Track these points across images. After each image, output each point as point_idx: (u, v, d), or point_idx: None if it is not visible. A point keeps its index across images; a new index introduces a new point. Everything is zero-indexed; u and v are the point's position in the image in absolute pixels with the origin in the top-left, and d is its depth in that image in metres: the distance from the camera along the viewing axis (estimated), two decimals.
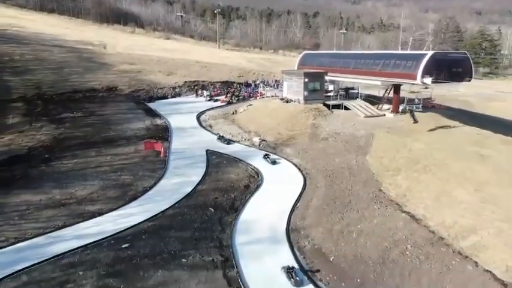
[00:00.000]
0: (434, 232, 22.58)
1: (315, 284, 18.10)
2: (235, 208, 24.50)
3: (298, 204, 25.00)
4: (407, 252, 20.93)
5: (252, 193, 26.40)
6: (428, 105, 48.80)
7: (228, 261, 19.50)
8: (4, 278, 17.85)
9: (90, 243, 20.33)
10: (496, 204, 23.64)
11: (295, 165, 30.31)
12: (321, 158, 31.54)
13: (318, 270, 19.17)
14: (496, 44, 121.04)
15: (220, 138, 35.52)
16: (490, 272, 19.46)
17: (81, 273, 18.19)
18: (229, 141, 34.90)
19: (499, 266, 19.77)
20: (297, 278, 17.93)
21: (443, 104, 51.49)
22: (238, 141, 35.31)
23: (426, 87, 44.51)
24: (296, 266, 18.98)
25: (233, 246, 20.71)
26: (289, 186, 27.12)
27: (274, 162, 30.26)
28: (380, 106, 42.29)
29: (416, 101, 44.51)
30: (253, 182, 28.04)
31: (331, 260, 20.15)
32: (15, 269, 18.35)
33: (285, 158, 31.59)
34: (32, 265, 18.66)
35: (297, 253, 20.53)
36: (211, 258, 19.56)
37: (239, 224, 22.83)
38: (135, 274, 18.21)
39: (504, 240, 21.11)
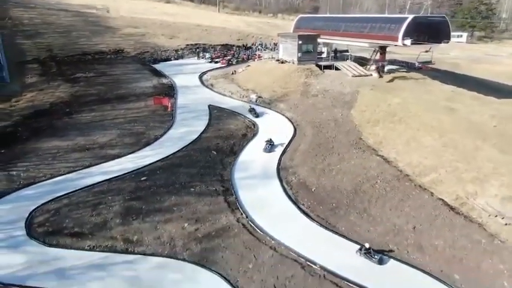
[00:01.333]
0: (402, 171, 26.80)
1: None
2: (234, 152, 28.67)
3: (288, 148, 29.12)
4: (377, 185, 25.21)
5: (249, 140, 30.51)
6: (415, 67, 52.12)
7: (228, 191, 23.86)
8: (48, 201, 22.22)
9: (115, 177, 24.62)
10: (455, 148, 27.78)
11: (287, 118, 34.23)
12: (310, 112, 35.41)
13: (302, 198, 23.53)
14: (492, 7, 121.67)
15: (251, 111, 34.89)
16: (442, 199, 23.79)
17: (110, 197, 22.57)
18: (258, 115, 34.53)
19: (450, 195, 24.07)
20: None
21: (429, 66, 54.65)
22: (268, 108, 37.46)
23: (427, 51, 47.35)
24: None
25: (232, 180, 25.03)
26: (282, 136, 31.10)
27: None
28: (368, 67, 45.63)
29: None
30: (249, 131, 32.07)
31: (312, 190, 24.47)
32: (56, 196, 22.71)
33: (278, 112, 35.44)
34: (69, 192, 23.01)
35: (286, 186, 24.82)
36: (214, 188, 23.90)
37: (237, 163, 27.06)
38: (153, 198, 22.59)
39: (457, 176, 25.35)
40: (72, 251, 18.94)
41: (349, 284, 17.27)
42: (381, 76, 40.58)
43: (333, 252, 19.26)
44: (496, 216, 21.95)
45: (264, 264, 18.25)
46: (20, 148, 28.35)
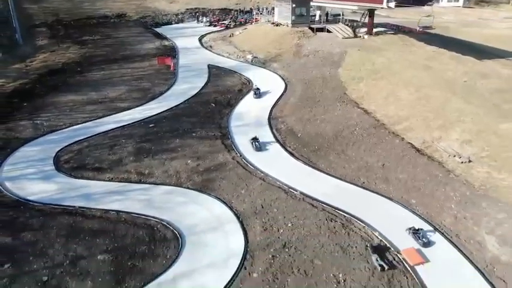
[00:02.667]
0: (379, 120, 30.21)
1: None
2: (231, 104, 32.05)
3: (278, 102, 32.46)
4: (355, 132, 28.68)
5: (244, 95, 33.82)
6: (405, 29, 54.55)
7: (224, 136, 27.42)
8: (70, 144, 25.86)
9: (126, 125, 28.19)
10: (427, 101, 31.12)
11: (280, 76, 37.37)
12: (301, 71, 38.49)
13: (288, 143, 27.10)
14: None
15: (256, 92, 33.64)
16: (411, 143, 27.29)
17: (123, 140, 26.20)
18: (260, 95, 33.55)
19: (418, 140, 27.55)
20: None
21: (429, 30, 56.96)
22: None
23: (428, 16, 49.43)
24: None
25: (229, 127, 28.55)
26: (274, 91, 34.35)
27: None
28: (358, 29, 48.14)
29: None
30: (245, 87, 35.31)
31: (298, 135, 27.99)
32: (76, 139, 26.33)
33: (271, 70, 38.54)
34: (88, 137, 26.62)
35: (276, 133, 28.34)
36: (213, 134, 27.47)
37: (233, 114, 30.52)
38: (160, 141, 26.20)
39: (426, 124, 28.81)
40: (94, 181, 22.70)
41: (322, 203, 21.04)
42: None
43: (312, 183, 22.95)
44: (455, 156, 25.52)
45: (254, 190, 22.00)
46: (40, 102, 31.76)
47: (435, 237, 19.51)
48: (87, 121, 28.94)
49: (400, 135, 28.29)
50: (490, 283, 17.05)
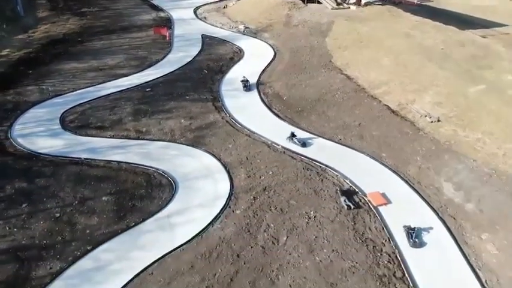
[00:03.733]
0: (360, 85, 32.32)
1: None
2: (223, 71, 34.12)
3: (267, 68, 34.51)
4: (336, 96, 30.86)
5: (235, 62, 35.82)
6: (395, 1, 55.78)
7: (215, 99, 29.66)
8: (74, 106, 28.13)
9: (125, 89, 30.37)
10: (405, 67, 33.18)
11: (270, 45, 39.21)
12: (290, 40, 40.28)
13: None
14: None
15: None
16: (387, 105, 29.51)
17: (122, 102, 28.48)
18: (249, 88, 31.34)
19: (394, 102, 29.73)
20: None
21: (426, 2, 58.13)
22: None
23: None
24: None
25: (220, 91, 30.75)
26: (263, 59, 36.32)
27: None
28: (347, 0, 49.51)
29: None
30: (236, 55, 37.25)
31: (284, 99, 30.19)
32: (80, 102, 28.59)
33: (262, 40, 40.33)
34: (90, 100, 28.87)
35: (263, 96, 30.53)
36: (205, 97, 29.70)
37: (225, 80, 32.64)
38: (157, 103, 28.48)
39: (403, 88, 30.97)
40: (97, 138, 25.12)
41: (301, 156, 23.52)
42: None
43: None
44: (426, 116, 27.80)
45: (240, 145, 24.42)
46: (44, 69, 33.79)
47: (399, 184, 22.13)
48: (89, 86, 31.06)
49: (378, 98, 30.49)
50: (442, 219, 19.71)
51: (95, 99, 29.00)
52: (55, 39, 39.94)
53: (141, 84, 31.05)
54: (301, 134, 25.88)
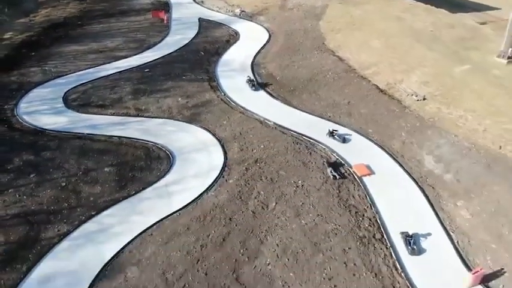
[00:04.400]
0: (350, 66, 33.41)
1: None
2: (219, 53, 35.18)
3: (261, 50, 35.57)
4: (328, 76, 31.98)
5: (231, 45, 36.84)
6: None
7: (211, 79, 30.84)
8: (76, 86, 29.32)
9: (124, 70, 31.50)
10: (394, 48, 34.26)
11: (265, 28, 40.12)
12: (285, 23, 41.19)
13: (271, 84, 30.49)
14: None
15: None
16: (376, 85, 30.67)
17: (122, 82, 29.68)
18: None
19: (382, 82, 30.87)
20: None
21: None
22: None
23: None
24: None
25: (216, 72, 31.89)
26: (258, 41, 37.32)
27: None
28: None
29: None
30: (232, 38, 38.24)
31: (277, 79, 31.34)
32: (81, 82, 29.78)
33: (258, 23, 41.22)
34: (92, 80, 30.05)
35: (257, 77, 31.67)
36: (201, 77, 30.88)
37: (220, 61, 33.73)
38: (155, 83, 29.67)
39: (391, 69, 32.09)
40: (99, 115, 26.39)
41: (291, 131, 24.82)
42: None
43: (285, 116, 26.58)
44: (412, 95, 29.01)
45: (234, 121, 25.71)
46: (46, 51, 34.85)
47: (383, 157, 23.47)
48: (90, 67, 32.15)
49: (367, 78, 31.64)
50: (421, 188, 21.10)
51: (96, 79, 30.18)
52: (56, 22, 40.82)
53: (140, 65, 32.17)
54: (292, 111, 27.19)
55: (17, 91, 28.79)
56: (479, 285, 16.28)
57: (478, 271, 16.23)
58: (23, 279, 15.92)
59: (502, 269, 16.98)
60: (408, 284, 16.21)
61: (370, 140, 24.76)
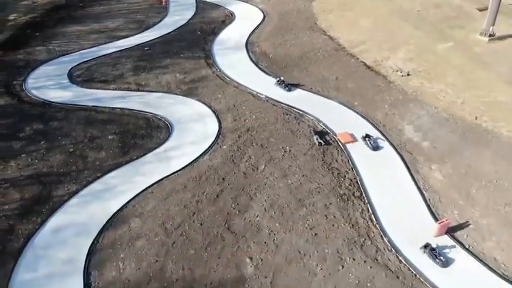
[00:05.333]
0: (340, 44, 34.85)
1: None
2: (215, 32, 36.59)
3: (256, 30, 36.97)
4: (318, 54, 33.47)
5: (227, 25, 38.21)
6: None
7: (208, 57, 32.35)
8: (80, 63, 30.87)
9: (125, 48, 32.99)
10: (382, 28, 35.68)
11: (260, 9, 41.41)
12: (279, 4, 42.41)
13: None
14: None
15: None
16: (364, 62, 32.14)
17: (123, 60, 31.21)
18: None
19: (370, 59, 32.28)
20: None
21: None
22: None
23: None
24: None
25: (212, 50, 33.38)
26: (253, 22, 38.68)
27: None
28: None
29: None
30: (228, 19, 39.58)
31: (270, 56, 32.84)
32: (85, 60, 31.33)
33: (253, 4, 42.49)
34: (94, 58, 31.59)
35: (251, 55, 33.17)
36: (198, 55, 32.38)
37: (216, 40, 35.18)
38: (154, 60, 31.21)
39: (379, 47, 33.55)
40: (102, 90, 27.99)
41: (281, 103, 26.49)
42: None
43: (276, 90, 28.19)
44: (397, 71, 30.54)
45: (228, 95, 27.35)
46: (50, 32, 36.27)
47: (367, 126, 25.16)
48: (93, 46, 33.63)
49: (355, 56, 33.11)
50: (400, 154, 22.85)
51: (98, 57, 31.69)
52: (58, 4, 42.04)
53: (140, 44, 33.65)
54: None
55: (24, 68, 30.33)
56: (445, 235, 18.17)
57: (443, 221, 18.12)
58: (38, 230, 17.78)
59: (467, 221, 18.83)
60: (381, 233, 18.09)
61: (355, 111, 26.42)
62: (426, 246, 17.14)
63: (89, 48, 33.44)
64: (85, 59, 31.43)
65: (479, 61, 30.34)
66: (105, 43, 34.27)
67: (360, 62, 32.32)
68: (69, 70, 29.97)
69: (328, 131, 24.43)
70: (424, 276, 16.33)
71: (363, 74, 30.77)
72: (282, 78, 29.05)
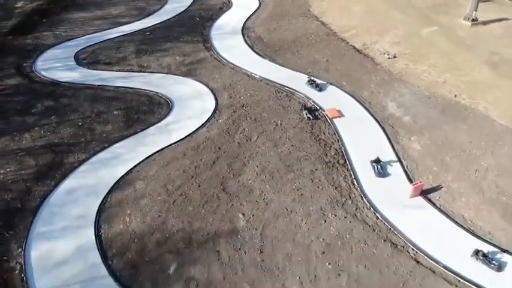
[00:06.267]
0: (332, 29, 36.47)
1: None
2: (213, 19, 38.22)
3: (251, 17, 38.58)
4: (310, 38, 35.10)
5: (224, 12, 39.83)
6: None
7: (206, 41, 34.04)
8: (85, 47, 32.57)
9: (128, 33, 34.67)
10: (372, 14, 37.29)
11: None
12: None
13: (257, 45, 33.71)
14: None
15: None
16: (353, 45, 33.77)
17: (126, 44, 32.91)
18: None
19: (359, 43, 33.97)
20: None
21: None
22: None
23: None
24: None
25: (209, 35, 35.04)
26: (249, 9, 40.27)
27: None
28: None
29: None
30: (225, 6, 41.16)
31: (264, 40, 34.48)
32: (90, 44, 33.04)
33: None
34: (99, 42, 33.29)
35: (247, 39, 34.82)
36: (196, 39, 34.07)
37: (214, 26, 36.83)
38: (155, 44, 32.91)
39: (368, 31, 35.18)
40: (106, 71, 29.72)
41: (274, 83, 28.22)
42: None
43: (270, 71, 29.86)
44: (384, 53, 32.22)
45: (225, 75, 29.08)
46: (56, 18, 37.90)
47: (353, 103, 26.92)
48: (97, 32, 35.28)
49: (346, 40, 34.78)
50: (382, 127, 24.63)
51: (102, 41, 33.39)
52: None
53: (141, 29, 35.33)
54: (276, 67, 30.51)
55: (33, 52, 32.03)
56: (420, 196, 20.03)
57: (417, 184, 19.98)
58: (52, 191, 19.66)
59: (440, 185, 20.67)
60: (361, 194, 19.95)
61: (343, 90, 28.16)
62: None
63: (93, 33, 35.12)
64: (90, 43, 33.10)
65: (462, 44, 31.98)
66: (109, 28, 35.93)
67: (349, 45, 33.99)
68: (75, 53, 31.68)
69: (317, 107, 26.18)
70: (397, 230, 18.22)
71: (352, 56, 32.45)
72: (312, 78, 28.23)
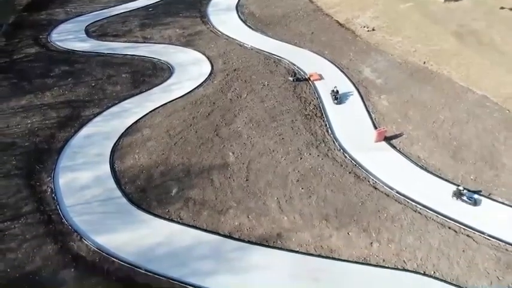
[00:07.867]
0: (318, 6, 39.22)
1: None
2: None
3: None
4: (299, 14, 37.98)
5: None
6: None
7: (203, 16, 37.02)
8: (94, 22, 35.64)
9: (132, 9, 37.69)
10: None
11: None
12: None
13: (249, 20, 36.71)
14: None
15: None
16: (337, 20, 36.74)
17: (131, 18, 35.98)
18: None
19: (342, 18, 36.82)
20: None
21: None
22: None
23: None
24: None
25: (206, 11, 38.01)
26: None
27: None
28: None
29: None
30: None
31: (256, 16, 37.42)
32: (98, 19, 36.09)
33: None
34: (106, 17, 36.35)
35: (240, 15, 37.79)
36: (194, 15, 37.07)
37: (211, 3, 39.66)
38: (157, 19, 36.00)
39: (351, 8, 38.02)
40: (114, 42, 32.85)
41: (264, 52, 31.38)
42: None
43: (260, 42, 32.88)
44: (364, 27, 35.19)
45: (220, 45, 32.20)
46: None
47: (333, 69, 30.08)
48: (104, 8, 38.29)
49: (330, 15, 37.68)
50: (357, 88, 27.85)
51: (110, 17, 36.46)
52: None
53: (144, 6, 38.36)
54: (266, 39, 33.56)
55: (48, 26, 35.12)
56: (384, 142, 23.34)
57: (381, 130, 23.35)
58: (73, 136, 23.09)
59: (402, 133, 23.97)
60: (333, 139, 23.31)
61: (325, 58, 31.28)
62: None
63: (101, 10, 38.11)
64: (98, 19, 36.16)
65: (433, 18, 34.95)
66: (115, 6, 38.89)
67: (333, 20, 36.95)
68: (86, 27, 34.78)
69: (301, 72, 29.37)
70: (361, 165, 21.64)
71: (335, 29, 35.45)
72: (335, 89, 26.46)
